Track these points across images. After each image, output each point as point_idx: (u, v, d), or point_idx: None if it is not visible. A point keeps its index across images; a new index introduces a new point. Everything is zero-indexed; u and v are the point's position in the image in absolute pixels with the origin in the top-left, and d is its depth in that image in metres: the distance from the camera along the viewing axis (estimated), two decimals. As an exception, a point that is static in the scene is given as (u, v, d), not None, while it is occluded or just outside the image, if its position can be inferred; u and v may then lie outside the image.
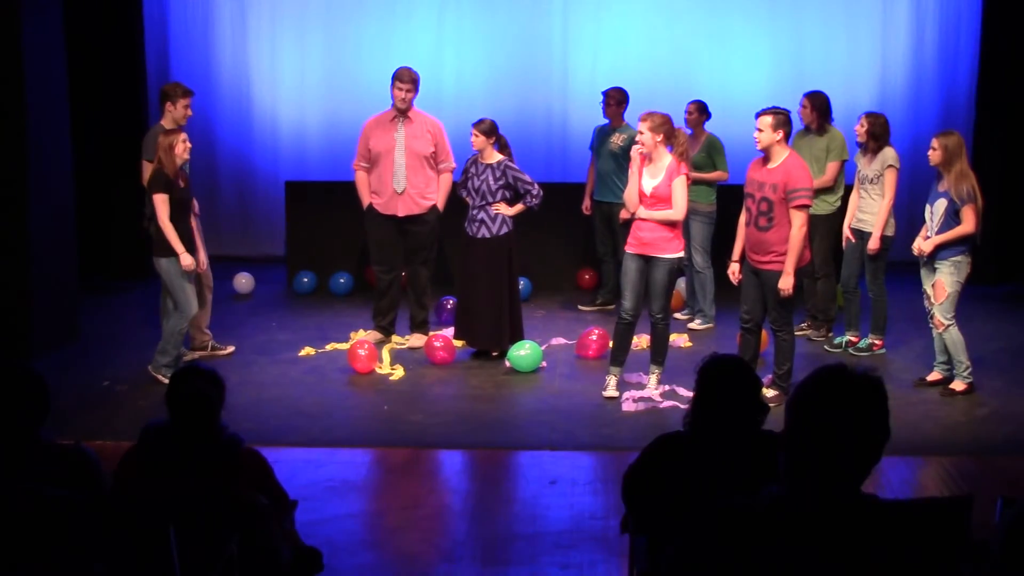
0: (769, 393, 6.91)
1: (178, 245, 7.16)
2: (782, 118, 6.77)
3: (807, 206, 6.71)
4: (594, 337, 8.16)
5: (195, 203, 7.93)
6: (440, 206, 8.24)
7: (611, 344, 7.29)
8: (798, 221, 6.68)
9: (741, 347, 7.12)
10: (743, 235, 6.99)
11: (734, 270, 7.07)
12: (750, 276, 6.96)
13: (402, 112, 8.11)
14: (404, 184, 8.13)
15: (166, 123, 7.69)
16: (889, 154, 7.88)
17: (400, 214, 8.20)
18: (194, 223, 7.60)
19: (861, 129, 7.92)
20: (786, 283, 6.71)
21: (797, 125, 7.79)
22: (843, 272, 8.25)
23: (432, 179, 8.22)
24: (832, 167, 8.21)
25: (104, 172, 10.33)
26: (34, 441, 3.78)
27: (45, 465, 3.71)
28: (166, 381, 7.20)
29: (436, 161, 8.20)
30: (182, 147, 7.21)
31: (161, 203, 7.13)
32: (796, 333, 7.74)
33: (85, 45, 9.79)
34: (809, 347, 8.26)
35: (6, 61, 7.73)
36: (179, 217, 7.23)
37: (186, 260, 7.19)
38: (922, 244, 7.19)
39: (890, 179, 7.85)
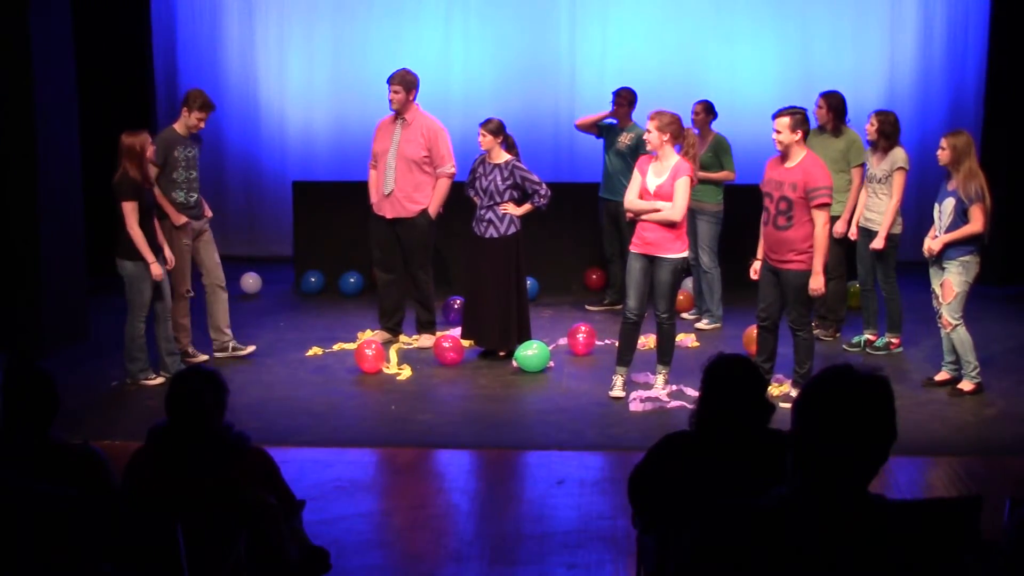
0: (793, 392, 6.91)
1: (148, 254, 7.13)
2: (799, 117, 6.76)
3: (828, 204, 6.71)
4: (581, 336, 8.19)
5: (206, 206, 7.95)
6: (432, 211, 8.15)
7: (617, 344, 7.28)
8: (820, 220, 6.68)
9: (758, 345, 7.13)
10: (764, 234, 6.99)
11: (756, 268, 7.06)
12: (768, 275, 6.96)
13: (399, 113, 8.12)
14: (392, 186, 8.13)
15: (178, 127, 7.71)
16: (899, 155, 7.88)
17: (388, 216, 8.20)
18: (194, 228, 7.70)
19: (871, 128, 7.93)
20: (817, 283, 6.72)
21: (811, 124, 7.76)
22: (859, 271, 8.25)
23: (424, 183, 8.14)
24: (857, 172, 8.20)
25: (113, 172, 10.34)
26: (43, 440, 3.80)
27: (54, 464, 3.73)
28: (152, 383, 7.27)
29: (432, 165, 8.16)
30: (152, 150, 7.20)
31: (131, 211, 7.08)
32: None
33: (93, 46, 9.81)
34: (825, 347, 8.24)
35: (15, 62, 7.76)
36: (144, 222, 7.18)
37: (156, 270, 7.17)
38: (931, 243, 7.18)
39: (899, 180, 7.86)
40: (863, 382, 2.44)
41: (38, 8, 7.83)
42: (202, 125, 7.73)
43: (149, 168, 7.28)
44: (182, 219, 7.63)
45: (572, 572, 4.91)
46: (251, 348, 8.05)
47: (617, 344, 7.29)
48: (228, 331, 8.00)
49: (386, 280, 8.39)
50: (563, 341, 8.44)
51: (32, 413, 3.78)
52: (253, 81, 11.39)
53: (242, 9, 11.32)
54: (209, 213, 7.98)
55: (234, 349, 7.97)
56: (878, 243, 7.86)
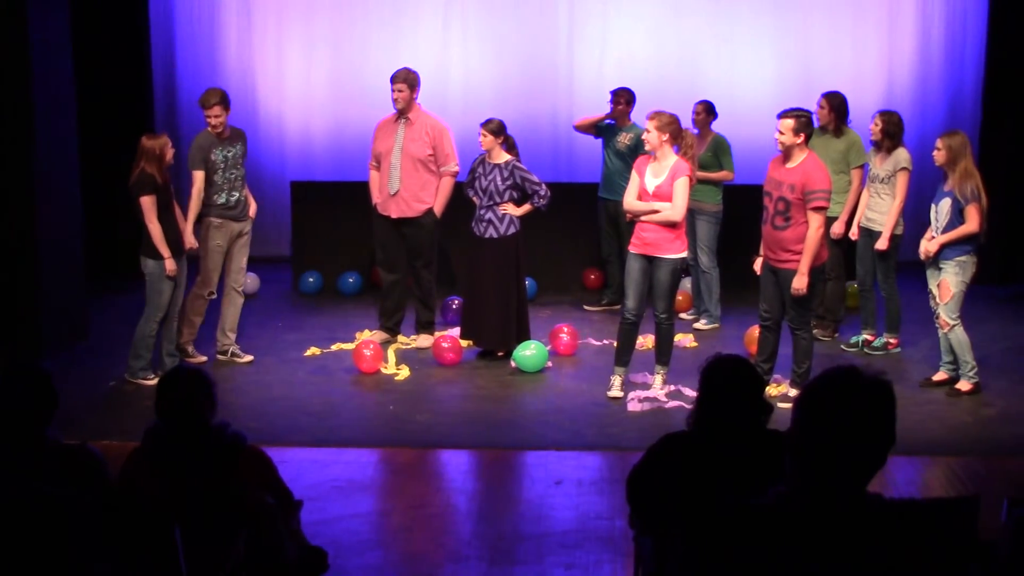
0: (792, 392, 6.92)
1: (164, 249, 7.15)
2: (803, 121, 6.76)
3: (824, 208, 6.72)
4: (564, 337, 8.20)
5: (252, 205, 7.93)
6: (438, 210, 8.17)
7: (615, 344, 7.29)
8: (815, 222, 6.69)
9: (759, 344, 7.16)
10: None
11: (759, 264, 7.08)
12: (768, 274, 6.98)
13: (402, 113, 8.13)
14: (397, 186, 8.13)
15: (209, 129, 7.72)
16: (902, 156, 7.90)
17: (393, 215, 8.20)
18: (233, 230, 7.73)
19: (876, 128, 7.96)
20: (800, 283, 6.73)
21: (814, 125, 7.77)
22: (858, 271, 8.27)
23: (429, 182, 8.15)
24: (857, 174, 8.22)
25: (111, 171, 10.34)
26: (41, 441, 3.80)
27: (52, 465, 3.73)
28: (149, 383, 7.27)
29: (436, 164, 8.17)
30: (171, 153, 7.23)
31: (148, 205, 7.11)
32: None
33: (92, 46, 9.80)
34: (824, 347, 8.24)
35: (14, 61, 7.75)
36: (163, 218, 7.20)
37: (170, 266, 7.19)
38: (927, 244, 7.20)
39: (902, 181, 7.89)
40: (867, 386, 2.43)
41: (37, 8, 7.82)
42: (215, 122, 7.66)
43: (167, 170, 7.28)
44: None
45: (570, 572, 4.92)
46: (249, 358, 8.01)
47: (615, 344, 7.30)
48: (232, 335, 7.99)
49: (391, 280, 8.39)
50: (561, 341, 8.46)
51: (31, 413, 3.78)
52: (251, 81, 11.37)
53: (240, 9, 11.30)
54: (253, 213, 7.95)
55: (233, 355, 7.96)
56: (882, 244, 7.88)
